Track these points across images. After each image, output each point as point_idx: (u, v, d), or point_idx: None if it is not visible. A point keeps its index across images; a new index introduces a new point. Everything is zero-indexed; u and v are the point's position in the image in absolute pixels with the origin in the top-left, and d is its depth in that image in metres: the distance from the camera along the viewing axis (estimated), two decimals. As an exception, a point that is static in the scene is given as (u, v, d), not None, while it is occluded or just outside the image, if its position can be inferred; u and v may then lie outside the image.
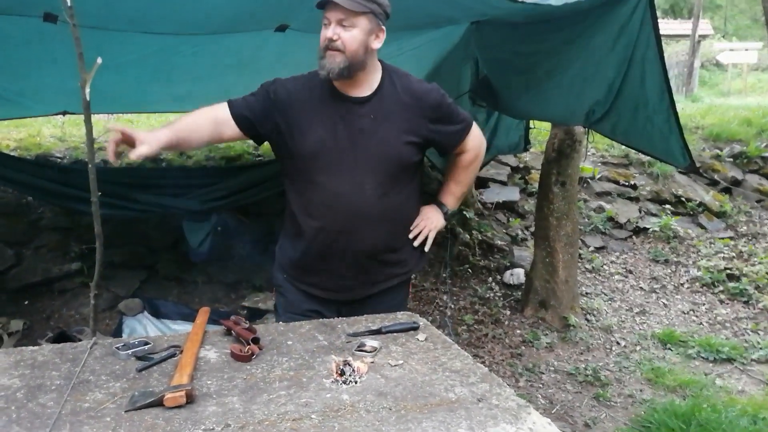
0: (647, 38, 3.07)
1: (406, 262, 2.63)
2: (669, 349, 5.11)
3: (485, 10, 3.53)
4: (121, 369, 1.92)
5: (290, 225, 2.58)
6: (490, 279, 5.92)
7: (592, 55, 3.43)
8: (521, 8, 3.36)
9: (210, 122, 2.39)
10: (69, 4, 2.28)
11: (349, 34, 2.26)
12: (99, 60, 2.31)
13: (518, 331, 5.19)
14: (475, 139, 2.63)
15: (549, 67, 3.73)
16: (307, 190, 2.45)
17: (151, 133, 2.23)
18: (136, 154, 2.11)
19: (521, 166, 7.12)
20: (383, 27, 2.35)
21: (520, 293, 5.68)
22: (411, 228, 2.60)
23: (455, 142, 2.59)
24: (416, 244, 2.62)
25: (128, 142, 2.17)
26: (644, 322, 5.58)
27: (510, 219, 6.70)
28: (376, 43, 2.36)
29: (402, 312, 2.50)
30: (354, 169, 2.40)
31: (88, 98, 2.43)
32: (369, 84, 2.42)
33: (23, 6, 3.09)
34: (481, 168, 5.64)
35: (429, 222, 2.63)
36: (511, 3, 3.27)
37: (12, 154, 5.32)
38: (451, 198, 2.72)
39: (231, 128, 2.41)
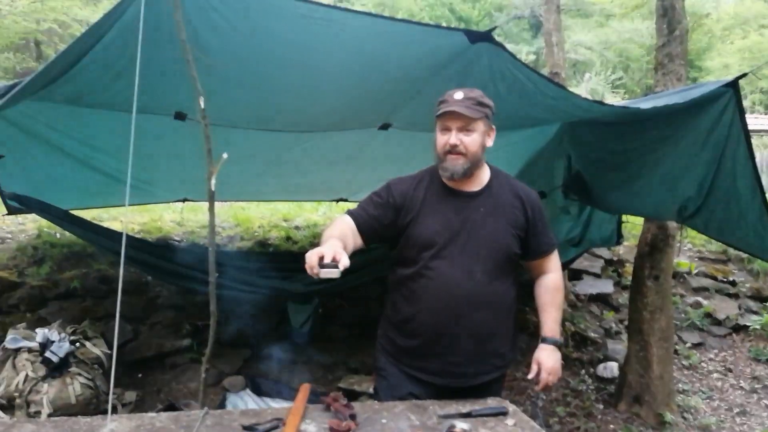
0: (737, 138, 3.14)
1: (505, 355, 2.70)
2: (772, 452, 4.87)
3: (578, 113, 3.68)
4: (231, 437, 2.11)
5: (395, 312, 2.68)
6: (583, 371, 5.82)
7: (683, 154, 3.50)
8: (611, 111, 3.51)
9: (351, 233, 2.50)
10: (202, 106, 2.60)
11: (470, 139, 2.47)
12: (225, 155, 2.60)
13: (611, 426, 5.06)
14: (558, 262, 2.77)
15: (641, 165, 3.81)
16: (420, 278, 2.56)
17: (332, 245, 2.22)
18: (343, 265, 2.13)
19: (615, 258, 7.05)
20: (494, 126, 2.57)
21: (613, 387, 5.55)
22: (531, 377, 2.69)
23: (543, 250, 2.69)
24: (537, 389, 2.72)
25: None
26: (744, 423, 5.32)
27: (603, 311, 6.60)
28: (489, 142, 2.57)
29: (492, 398, 2.60)
30: (465, 257, 2.53)
31: (213, 189, 2.72)
32: (479, 180, 2.60)
33: (158, 106, 3.48)
34: (574, 260, 5.71)
35: (555, 371, 2.68)
36: (601, 106, 3.42)
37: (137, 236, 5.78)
38: (556, 326, 2.71)
39: (359, 239, 2.54)
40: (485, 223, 2.56)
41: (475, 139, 2.48)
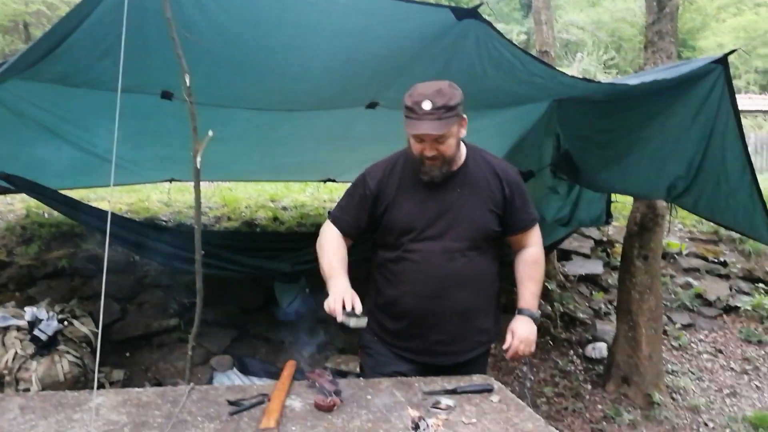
0: (726, 115, 3.12)
1: (489, 330, 2.73)
2: (761, 433, 4.89)
3: (565, 90, 3.66)
4: (215, 412, 2.11)
5: (379, 294, 2.71)
6: (572, 352, 5.84)
7: (672, 131, 3.48)
8: (598, 87, 3.49)
9: (343, 247, 2.64)
10: (188, 84, 2.57)
11: (446, 145, 2.45)
12: (210, 133, 2.59)
13: (599, 407, 5.09)
14: (539, 236, 2.76)
15: (629, 143, 3.80)
16: (402, 261, 2.60)
17: (347, 287, 2.43)
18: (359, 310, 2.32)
19: (604, 239, 7.05)
20: (465, 115, 2.51)
21: (602, 367, 5.57)
22: (505, 348, 2.66)
23: (521, 225, 2.68)
24: (508, 357, 2.69)
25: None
26: (735, 404, 5.35)
27: (593, 292, 6.61)
28: (463, 132, 2.54)
29: (478, 374, 2.61)
30: (444, 238, 2.55)
31: (199, 166, 2.70)
32: (455, 162, 2.59)
33: (144, 85, 3.43)
34: (563, 240, 5.70)
35: (528, 341, 2.64)
36: (588, 83, 3.40)
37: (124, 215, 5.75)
38: (534, 299, 2.71)
39: (349, 242, 2.68)
40: (462, 203, 2.57)
41: (450, 144, 2.46)
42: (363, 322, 2.30)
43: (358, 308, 2.30)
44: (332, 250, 2.60)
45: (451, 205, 2.56)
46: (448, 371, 2.61)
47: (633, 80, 3.38)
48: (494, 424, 2.07)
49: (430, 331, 2.62)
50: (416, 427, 1.97)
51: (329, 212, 2.78)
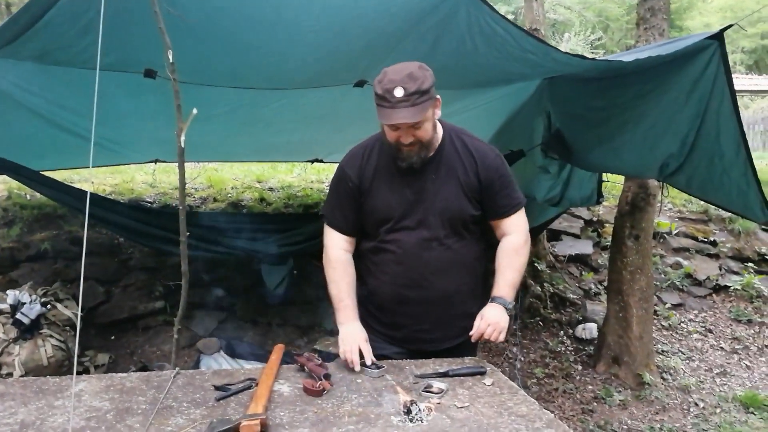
0: (721, 92, 3.05)
1: (474, 315, 2.63)
2: (752, 413, 4.89)
3: (557, 68, 3.58)
4: (201, 397, 2.06)
5: (361, 283, 2.67)
6: (562, 333, 5.84)
7: (666, 109, 3.42)
8: (592, 65, 3.42)
9: (350, 261, 2.62)
10: (171, 60, 2.49)
11: (422, 130, 2.35)
12: (194, 111, 2.50)
13: (590, 387, 5.09)
14: (523, 223, 2.64)
15: (622, 121, 3.73)
16: (380, 251, 2.57)
17: (359, 332, 2.50)
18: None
19: (595, 219, 7.04)
20: (438, 96, 2.40)
21: (592, 348, 5.58)
22: (471, 333, 2.54)
23: (501, 211, 2.59)
24: (473, 339, 2.56)
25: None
26: (725, 384, 5.37)
27: (583, 272, 6.61)
28: (438, 113, 2.45)
29: (470, 357, 2.57)
30: (421, 227, 2.51)
31: (182, 145, 2.62)
32: (433, 145, 2.50)
33: (127, 63, 3.34)
34: (553, 220, 5.66)
35: (497, 326, 2.50)
36: (581, 60, 3.33)
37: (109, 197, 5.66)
38: (509, 289, 2.57)
39: (353, 241, 2.64)
40: (437, 190, 2.51)
41: (427, 129, 2.38)
42: (382, 371, 2.35)
43: (372, 355, 2.41)
44: (339, 271, 2.59)
45: (426, 193, 2.50)
46: (437, 357, 2.58)
47: (627, 57, 3.32)
48: (488, 407, 2.03)
49: (414, 320, 2.60)
50: (408, 411, 1.93)
51: (322, 214, 2.71)
